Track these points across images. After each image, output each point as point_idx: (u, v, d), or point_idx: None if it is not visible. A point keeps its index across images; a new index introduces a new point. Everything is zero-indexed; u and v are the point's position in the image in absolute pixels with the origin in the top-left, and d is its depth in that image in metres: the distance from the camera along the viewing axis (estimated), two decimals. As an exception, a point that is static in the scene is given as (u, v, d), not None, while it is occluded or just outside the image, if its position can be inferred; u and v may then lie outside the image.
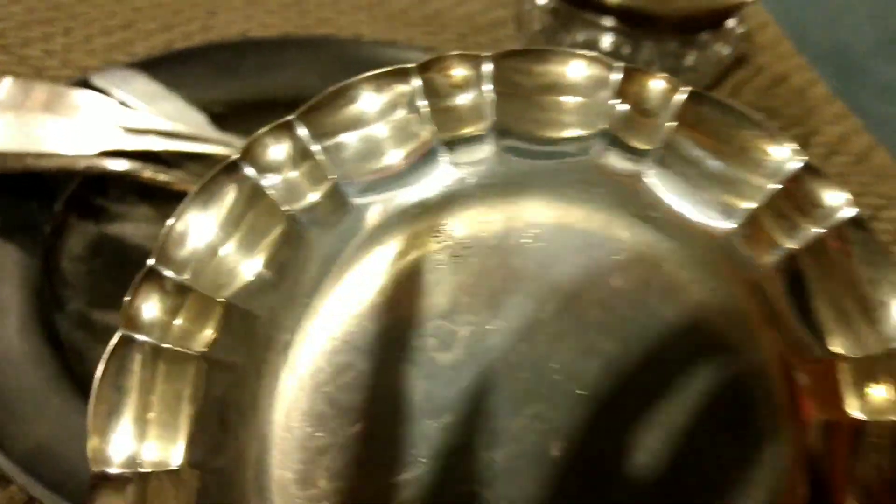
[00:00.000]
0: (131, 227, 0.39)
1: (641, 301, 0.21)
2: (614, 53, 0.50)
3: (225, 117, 0.43)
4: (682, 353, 0.21)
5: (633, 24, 0.49)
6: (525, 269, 0.21)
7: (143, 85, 0.42)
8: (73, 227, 0.38)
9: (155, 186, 0.37)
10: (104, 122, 0.39)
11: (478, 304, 0.21)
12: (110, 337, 0.34)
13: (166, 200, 0.39)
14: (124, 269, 0.37)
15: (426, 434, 0.20)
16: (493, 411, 0.20)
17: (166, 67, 0.44)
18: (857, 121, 0.52)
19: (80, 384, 0.32)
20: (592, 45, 0.50)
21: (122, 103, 0.41)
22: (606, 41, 0.50)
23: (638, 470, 0.20)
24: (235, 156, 0.22)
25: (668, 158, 0.22)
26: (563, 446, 0.20)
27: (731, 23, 0.51)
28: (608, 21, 0.49)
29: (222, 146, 0.40)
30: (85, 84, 0.41)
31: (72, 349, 0.34)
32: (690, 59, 0.51)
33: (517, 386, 0.20)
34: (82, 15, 0.52)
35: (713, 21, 0.50)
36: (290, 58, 0.47)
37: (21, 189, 0.38)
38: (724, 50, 0.52)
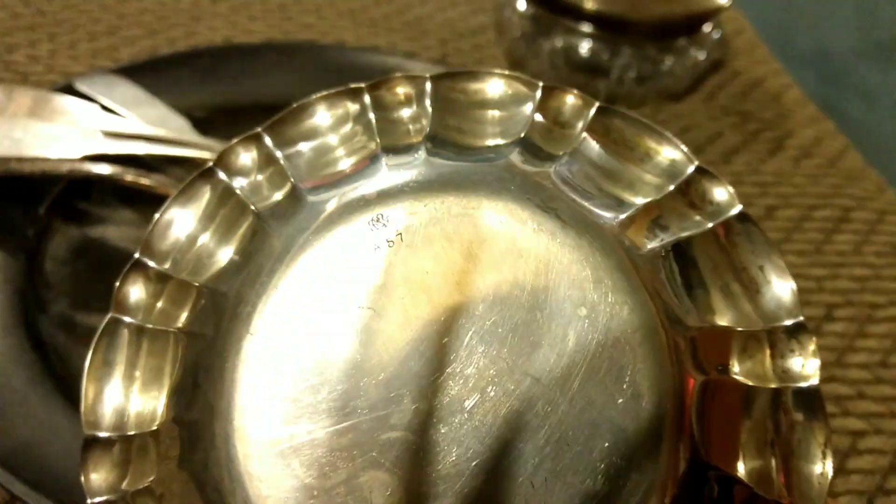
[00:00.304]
0: (114, 230, 0.39)
1: (544, 277, 0.25)
2: (593, 59, 0.51)
3: (208, 122, 0.43)
4: (578, 318, 0.25)
5: (611, 30, 0.49)
6: (447, 250, 0.25)
7: (127, 90, 0.43)
8: (57, 230, 0.39)
9: (137, 190, 0.38)
10: (88, 126, 0.40)
11: (408, 280, 0.25)
12: (93, 339, 0.35)
13: (149, 204, 0.39)
14: (107, 271, 0.37)
15: (364, 389, 0.24)
16: (420, 370, 0.24)
17: (150, 73, 0.45)
18: (831, 124, 0.53)
19: (61, 385, 0.33)
20: (571, 50, 0.51)
21: (106, 108, 0.41)
22: (585, 47, 0.51)
23: (537, 418, 0.24)
24: (210, 163, 0.25)
25: (573, 160, 0.26)
26: (475, 398, 0.24)
27: (707, 28, 0.52)
28: (587, 27, 0.49)
29: (204, 150, 0.40)
30: (69, 89, 0.42)
31: (54, 351, 0.34)
32: (667, 63, 0.52)
33: (440, 348, 0.24)
34: (67, 21, 0.52)
35: (690, 27, 0.51)
36: (273, 63, 0.48)
37: (5, 193, 0.38)
38: (700, 55, 0.52)
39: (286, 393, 0.24)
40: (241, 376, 0.24)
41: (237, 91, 0.46)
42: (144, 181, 0.38)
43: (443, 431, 0.24)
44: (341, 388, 0.24)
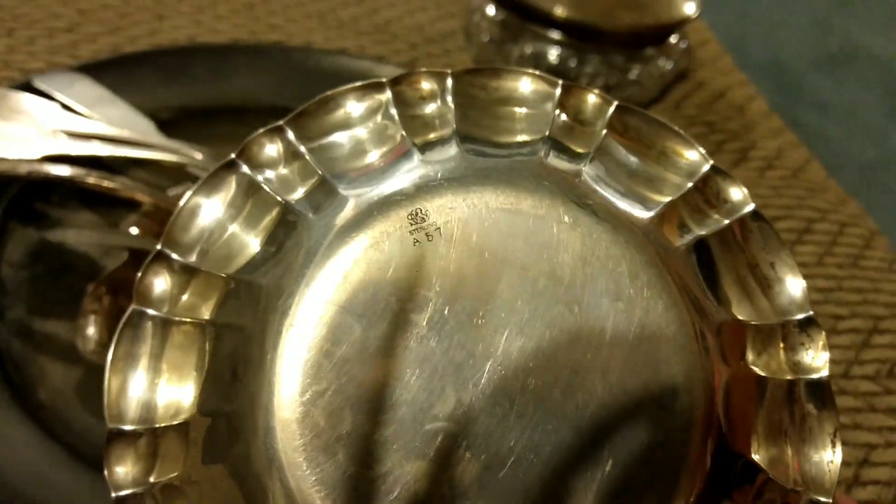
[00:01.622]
0: (74, 233, 0.38)
1: (581, 271, 0.26)
2: (561, 66, 0.51)
3: (172, 123, 0.42)
4: (615, 312, 0.25)
5: (580, 38, 0.50)
6: (486, 246, 0.26)
7: (88, 89, 0.42)
8: (14, 233, 0.37)
9: (99, 193, 0.37)
10: (47, 126, 0.39)
11: (447, 275, 0.25)
12: (51, 346, 0.34)
13: (110, 207, 0.38)
14: (66, 276, 0.37)
15: (406, 380, 0.24)
16: (461, 362, 0.25)
17: (112, 71, 0.43)
18: (794, 136, 0.54)
19: (18, 394, 0.32)
20: (540, 57, 0.51)
21: (66, 107, 0.40)
22: (553, 54, 0.51)
23: (577, 409, 0.25)
24: (232, 155, 0.25)
25: (601, 160, 0.27)
26: (517, 389, 0.25)
27: (674, 38, 0.53)
28: (556, 34, 0.50)
29: (169, 153, 0.39)
30: (28, 87, 0.41)
31: (10, 359, 0.33)
32: (635, 73, 0.52)
33: (480, 343, 0.25)
34: (25, 16, 0.51)
35: (657, 37, 0.51)
36: (239, 64, 0.47)
37: (-41, 194, 0.37)
38: (667, 65, 0.53)
39: (328, 384, 0.24)
40: (283, 368, 0.24)
41: (203, 92, 0.45)
42: (107, 184, 0.37)
43: (485, 422, 0.24)
44: (383, 380, 0.24)
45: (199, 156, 0.39)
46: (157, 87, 0.44)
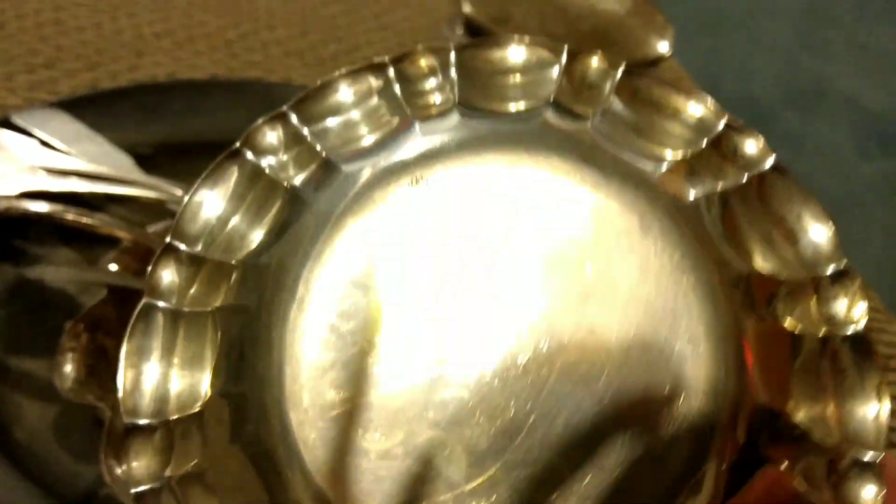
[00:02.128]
0: (52, 270, 0.38)
1: (591, 226, 0.25)
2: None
3: (151, 159, 0.42)
4: (629, 266, 0.25)
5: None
6: (491, 207, 0.25)
7: (67, 125, 0.42)
8: (-9, 270, 0.37)
9: (77, 229, 0.37)
10: (25, 162, 0.39)
11: (453, 242, 0.25)
12: (28, 383, 0.34)
13: (89, 244, 0.38)
14: (44, 313, 0.36)
15: (415, 349, 0.24)
16: (470, 327, 0.24)
17: (91, 107, 0.43)
18: (766, 171, 0.55)
19: (-6, 434, 0.32)
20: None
21: (45, 143, 0.40)
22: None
23: (594, 369, 0.24)
24: (236, 144, 0.25)
25: (607, 119, 0.26)
26: (529, 352, 0.24)
27: (647, 77, 0.54)
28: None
29: (148, 189, 0.39)
30: (6, 123, 0.40)
31: (-14, 397, 0.33)
32: (610, 110, 0.53)
33: (489, 305, 0.25)
34: (3, 51, 0.51)
35: (631, 74, 0.52)
36: (218, 100, 0.47)
37: (-65, 231, 0.36)
38: (641, 102, 0.54)
39: (336, 358, 0.24)
40: (290, 344, 0.25)
41: (182, 128, 0.45)
42: (86, 220, 0.36)
43: (498, 387, 0.24)
44: (391, 350, 0.24)
45: (178, 192, 0.39)
46: (136, 123, 0.44)
